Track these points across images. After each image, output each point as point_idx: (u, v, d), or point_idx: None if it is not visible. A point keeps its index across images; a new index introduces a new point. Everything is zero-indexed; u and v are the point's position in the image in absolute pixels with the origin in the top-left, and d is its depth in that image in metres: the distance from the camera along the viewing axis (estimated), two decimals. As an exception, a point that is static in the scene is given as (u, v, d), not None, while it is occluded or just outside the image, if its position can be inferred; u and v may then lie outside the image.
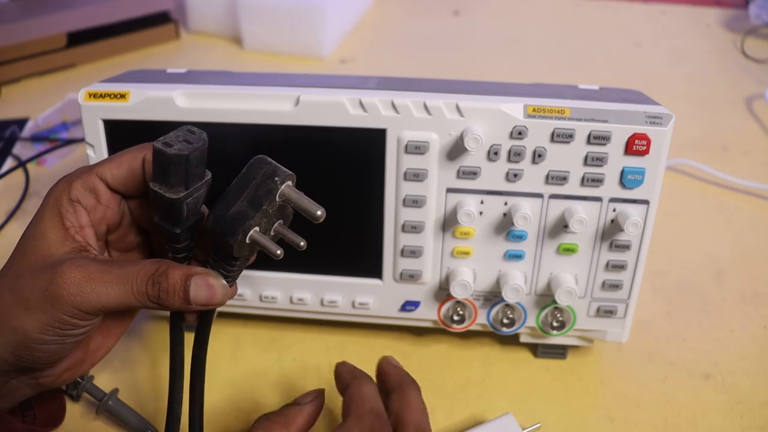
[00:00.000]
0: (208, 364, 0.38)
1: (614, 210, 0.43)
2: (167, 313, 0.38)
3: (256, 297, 0.49)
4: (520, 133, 0.41)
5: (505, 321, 0.47)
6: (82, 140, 0.74)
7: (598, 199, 0.42)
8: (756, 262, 0.60)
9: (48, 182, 0.69)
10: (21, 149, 0.77)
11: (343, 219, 0.45)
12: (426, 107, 0.41)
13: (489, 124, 0.41)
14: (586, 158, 0.41)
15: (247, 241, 0.33)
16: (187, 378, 0.38)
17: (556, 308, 0.46)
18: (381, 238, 0.45)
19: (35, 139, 0.79)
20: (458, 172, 0.43)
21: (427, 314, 0.48)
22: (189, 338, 0.38)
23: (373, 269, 0.47)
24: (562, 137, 0.41)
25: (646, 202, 0.42)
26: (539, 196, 0.43)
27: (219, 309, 0.44)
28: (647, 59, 1.01)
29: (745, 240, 0.63)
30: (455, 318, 0.47)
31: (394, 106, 0.42)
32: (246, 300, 0.49)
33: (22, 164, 0.73)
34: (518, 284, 0.44)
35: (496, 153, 0.42)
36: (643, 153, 0.41)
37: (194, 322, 0.38)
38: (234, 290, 0.36)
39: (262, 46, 1.01)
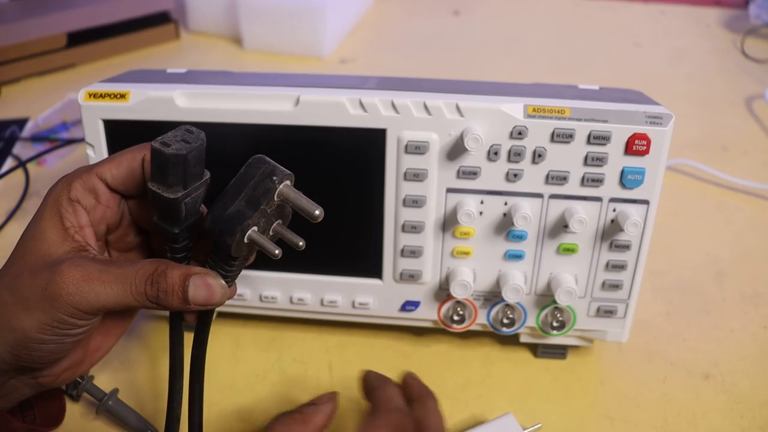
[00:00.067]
0: (208, 364, 0.38)
1: (614, 210, 0.43)
2: (167, 313, 0.38)
3: (256, 297, 0.49)
4: (520, 133, 0.41)
5: (505, 321, 0.47)
6: (82, 140, 0.74)
7: (598, 199, 0.42)
8: (756, 262, 0.60)
9: (48, 182, 0.69)
10: (21, 149, 0.77)
11: (343, 219, 0.45)
12: (426, 107, 0.41)
13: (489, 124, 0.41)
14: (586, 158, 0.41)
15: (246, 240, 0.33)
16: (187, 378, 0.38)
17: (556, 308, 0.46)
18: (381, 238, 0.45)
19: (35, 139, 0.79)
20: (458, 172, 0.43)
21: (427, 314, 0.48)
22: (189, 338, 0.38)
23: (373, 269, 0.47)
24: (562, 137, 0.41)
25: (646, 202, 0.42)
26: (539, 196, 0.43)
27: (219, 309, 0.44)
28: (647, 59, 1.01)
29: (745, 240, 0.63)
30: (455, 318, 0.47)
31: (394, 106, 0.42)
32: (246, 300, 0.49)
33: (22, 164, 0.73)
34: (518, 284, 0.44)
35: (496, 153, 0.42)
36: (643, 153, 0.41)
37: (194, 322, 0.38)
38: (233, 290, 0.36)
39: (262, 46, 1.01)
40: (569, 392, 0.47)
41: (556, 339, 0.48)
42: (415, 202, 0.44)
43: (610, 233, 0.43)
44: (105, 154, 0.45)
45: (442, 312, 0.48)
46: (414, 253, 0.45)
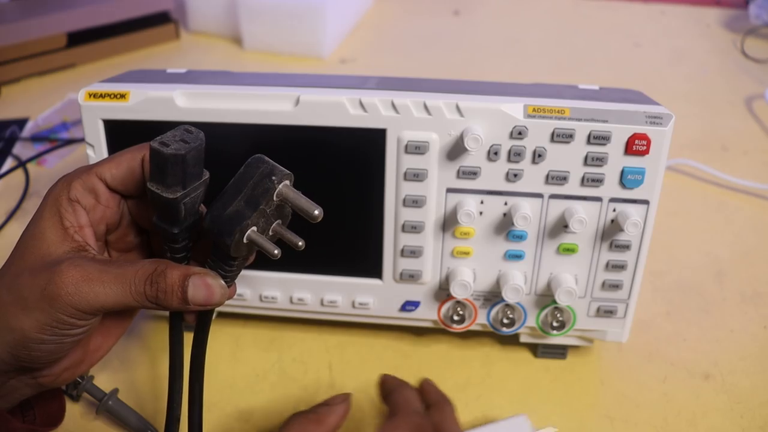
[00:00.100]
0: (208, 364, 0.38)
1: (614, 210, 0.43)
2: (166, 313, 0.38)
3: (256, 297, 0.49)
4: (520, 133, 0.41)
5: (505, 321, 0.47)
6: (82, 140, 0.74)
7: (598, 199, 0.42)
8: (756, 262, 0.60)
9: (48, 182, 0.69)
10: (21, 149, 0.77)
11: (343, 219, 0.45)
12: (426, 107, 0.41)
13: (489, 124, 0.41)
14: (586, 158, 0.41)
15: (245, 240, 0.33)
16: (187, 378, 0.38)
17: (556, 308, 0.46)
18: (381, 238, 0.45)
19: (35, 139, 0.79)
20: (458, 172, 0.43)
21: (427, 314, 0.48)
22: (188, 338, 0.38)
23: (373, 269, 0.47)
24: (562, 137, 0.41)
25: (646, 202, 0.42)
26: (539, 196, 0.43)
27: (219, 309, 0.44)
28: (647, 59, 1.01)
29: (745, 240, 0.63)
30: (455, 318, 0.47)
31: (394, 106, 0.42)
32: (246, 300, 0.49)
33: (22, 164, 0.73)
34: (518, 284, 0.44)
35: (496, 153, 0.42)
36: (643, 153, 0.41)
37: (193, 322, 0.38)
38: (233, 290, 0.36)
39: (262, 46, 1.01)
40: (569, 392, 0.47)
41: (556, 339, 0.48)
42: (415, 202, 0.44)
43: (610, 233, 0.43)
44: (105, 154, 0.45)
45: (442, 312, 0.48)
46: (414, 253, 0.45)
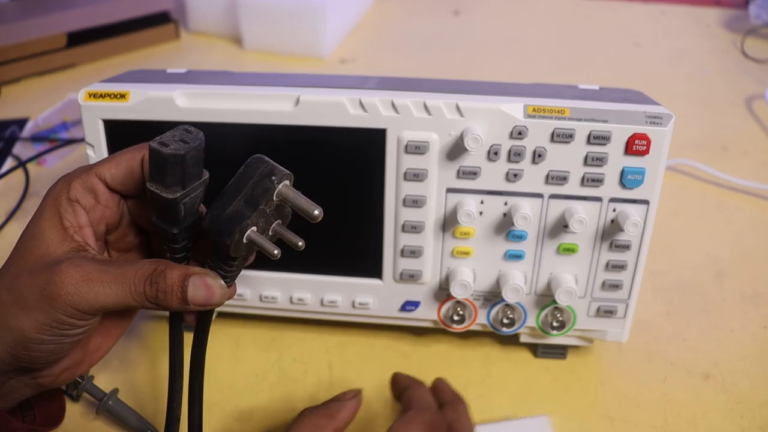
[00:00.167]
0: (208, 364, 0.38)
1: (614, 210, 0.43)
2: (166, 314, 0.38)
3: (256, 297, 0.49)
4: (520, 133, 0.41)
5: (505, 321, 0.47)
6: (82, 140, 0.74)
7: (598, 199, 0.42)
8: (756, 262, 0.60)
9: (48, 182, 0.69)
10: (21, 149, 0.77)
11: (343, 219, 0.45)
12: (426, 107, 0.41)
13: (489, 124, 0.41)
14: (586, 158, 0.41)
15: (244, 240, 0.33)
16: (187, 378, 0.38)
17: (556, 308, 0.46)
18: (381, 238, 0.45)
19: (35, 139, 0.79)
20: (458, 172, 0.43)
21: (427, 314, 0.48)
22: (188, 338, 0.38)
23: (373, 269, 0.47)
24: (562, 137, 0.41)
25: (646, 202, 0.42)
26: (539, 196, 0.43)
27: (219, 309, 0.44)
28: (647, 59, 1.01)
29: (745, 240, 0.63)
30: (455, 318, 0.47)
31: (394, 106, 0.42)
32: (246, 300, 0.49)
33: (22, 164, 0.73)
34: (518, 284, 0.44)
35: (496, 153, 0.42)
36: (643, 153, 0.41)
37: (193, 323, 0.38)
38: (233, 290, 0.36)
39: (262, 46, 1.01)
40: (569, 392, 0.47)
41: (556, 339, 0.48)
42: (415, 202, 0.44)
43: (610, 233, 0.43)
44: (105, 154, 0.45)
45: (442, 312, 0.48)
46: (414, 253, 0.45)
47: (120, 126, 0.44)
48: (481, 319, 0.47)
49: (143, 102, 0.43)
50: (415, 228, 0.44)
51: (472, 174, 0.42)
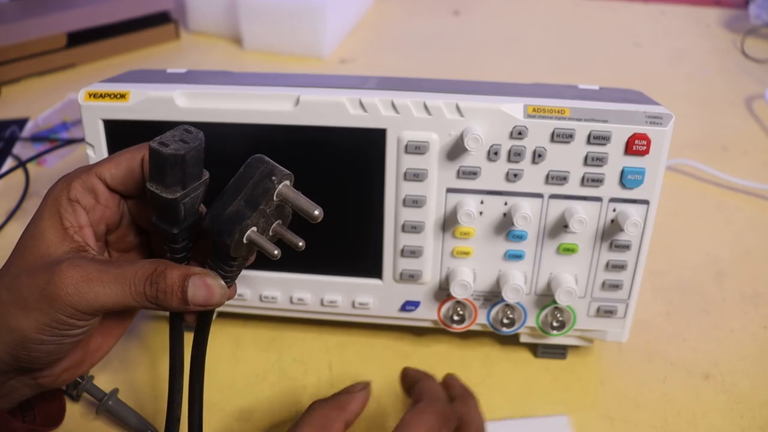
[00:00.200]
0: (208, 364, 0.38)
1: (614, 210, 0.43)
2: (167, 314, 0.38)
3: (256, 297, 0.49)
4: (520, 133, 0.41)
5: (505, 321, 0.47)
6: (82, 140, 0.74)
7: (598, 199, 0.42)
8: (756, 262, 0.60)
9: (48, 182, 0.69)
10: (21, 149, 0.77)
11: (343, 219, 0.45)
12: (426, 107, 0.41)
13: (489, 124, 0.41)
14: (586, 158, 0.41)
15: (245, 241, 0.33)
16: (187, 378, 0.38)
17: (556, 308, 0.46)
18: (381, 238, 0.45)
19: (35, 139, 0.79)
20: (458, 172, 0.43)
21: (427, 314, 0.48)
22: (189, 338, 0.38)
23: (373, 269, 0.47)
24: (562, 137, 0.41)
25: (646, 202, 0.42)
26: (539, 196, 0.43)
27: (219, 309, 0.44)
28: (647, 59, 1.01)
29: (745, 240, 0.63)
30: (455, 318, 0.47)
31: (394, 106, 0.42)
32: (246, 300, 0.49)
33: (22, 164, 0.73)
34: (518, 284, 0.44)
35: (496, 153, 0.42)
36: (643, 153, 0.41)
37: (193, 323, 0.38)
38: (233, 291, 0.36)
39: (262, 46, 1.01)
40: (569, 392, 0.47)
41: (556, 339, 0.48)
42: (415, 202, 0.44)
43: (610, 233, 0.43)
44: (105, 154, 0.45)
45: (442, 312, 0.48)
46: (414, 253, 0.45)
47: (120, 126, 0.44)
48: (481, 319, 0.47)
49: (143, 102, 0.43)
50: (415, 228, 0.44)
51: (472, 174, 0.42)
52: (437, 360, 0.50)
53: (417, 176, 0.43)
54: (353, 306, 0.48)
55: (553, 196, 0.43)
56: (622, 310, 0.46)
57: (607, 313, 0.46)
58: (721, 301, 0.56)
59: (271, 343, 0.51)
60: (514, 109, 0.41)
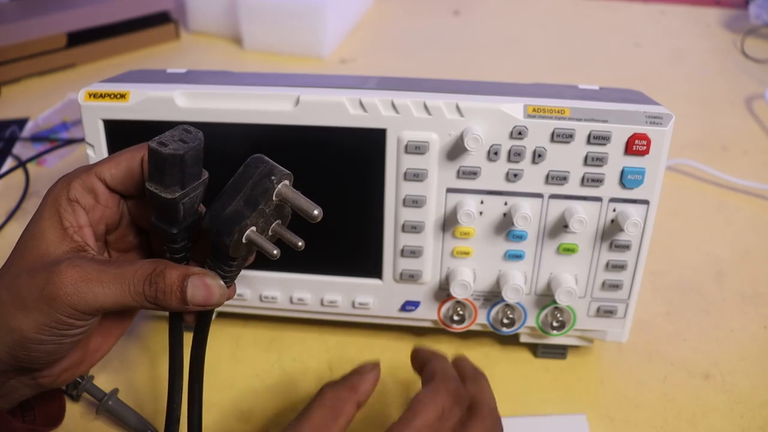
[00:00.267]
0: (208, 364, 0.38)
1: (614, 210, 0.43)
2: (166, 314, 0.38)
3: (256, 297, 0.49)
4: (520, 133, 0.41)
5: (505, 321, 0.47)
6: (82, 140, 0.74)
7: (598, 199, 0.42)
8: (756, 262, 0.60)
9: (48, 182, 0.69)
10: (21, 149, 0.77)
11: (343, 219, 0.45)
12: (426, 107, 0.41)
13: (489, 124, 0.41)
14: (586, 158, 0.41)
15: (244, 240, 0.33)
16: (187, 378, 0.38)
17: (556, 308, 0.46)
18: (381, 238, 0.45)
19: (35, 139, 0.79)
20: (458, 172, 0.43)
21: (427, 314, 0.48)
22: (188, 338, 0.38)
23: (373, 269, 0.47)
24: (562, 137, 0.41)
25: (646, 202, 0.42)
26: (539, 196, 0.43)
27: (219, 309, 0.44)
28: (647, 59, 1.01)
29: (745, 240, 0.63)
30: (455, 318, 0.47)
31: (394, 106, 0.42)
32: (246, 300, 0.49)
33: (22, 164, 0.73)
34: (518, 284, 0.44)
35: (496, 153, 0.42)
36: (643, 153, 0.41)
37: (193, 323, 0.38)
38: (232, 291, 0.36)
39: (262, 46, 1.00)
40: (569, 392, 0.47)
41: (556, 339, 0.48)
42: (415, 202, 0.44)
43: (610, 233, 0.43)
44: (105, 154, 0.45)
45: (442, 312, 0.48)
46: (414, 253, 0.45)
47: (120, 126, 0.44)
48: (481, 319, 0.47)
49: (143, 102, 0.43)
50: (415, 228, 0.44)
51: (472, 174, 0.42)
52: (437, 360, 0.50)
53: (417, 176, 0.43)
54: (353, 306, 0.48)
55: (553, 196, 0.43)
56: (622, 310, 0.46)
57: (607, 313, 0.46)
58: (721, 301, 0.56)
59: (271, 343, 0.51)
60: (514, 109, 0.41)
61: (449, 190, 0.43)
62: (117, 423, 0.45)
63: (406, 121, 0.42)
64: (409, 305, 0.48)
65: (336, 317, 0.49)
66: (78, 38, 0.96)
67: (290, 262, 0.47)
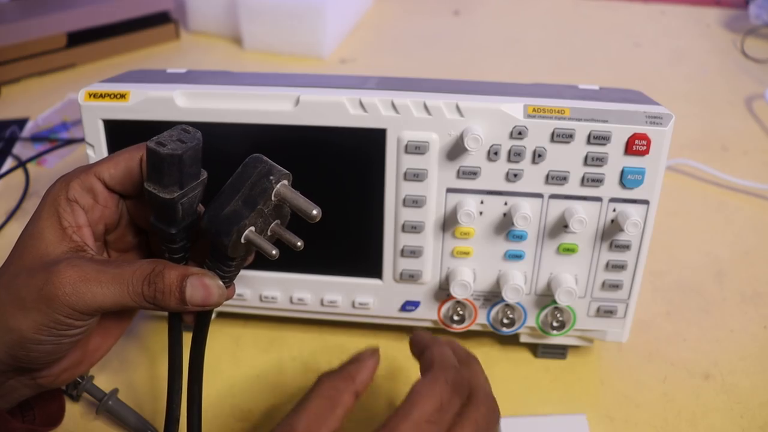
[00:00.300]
0: (208, 364, 0.38)
1: (614, 210, 0.43)
2: (166, 314, 0.38)
3: (256, 297, 0.49)
4: (520, 133, 0.41)
5: (505, 321, 0.47)
6: (82, 140, 0.74)
7: (598, 199, 0.42)
8: (756, 262, 0.60)
9: (48, 182, 0.69)
10: (21, 149, 0.77)
11: (343, 219, 0.45)
12: (426, 107, 0.41)
13: (489, 124, 0.41)
14: (586, 158, 0.41)
15: (242, 240, 0.33)
16: (186, 378, 0.38)
17: (556, 308, 0.46)
18: (381, 238, 0.45)
19: (35, 139, 0.79)
20: (458, 172, 0.43)
21: (427, 314, 0.48)
22: (188, 338, 0.38)
23: (373, 269, 0.47)
24: (562, 137, 0.41)
25: (646, 202, 0.42)
26: (539, 196, 0.43)
27: (218, 309, 0.44)
28: (647, 59, 1.01)
29: (745, 240, 0.63)
30: (455, 318, 0.47)
31: (394, 106, 0.42)
32: (246, 300, 0.49)
33: (22, 164, 0.73)
34: (518, 284, 0.44)
35: (496, 153, 0.42)
36: (643, 153, 0.41)
37: (192, 323, 0.38)
38: (231, 291, 0.36)
39: (262, 46, 1.00)
40: (569, 392, 0.47)
41: (556, 339, 0.48)
42: (415, 202, 0.44)
43: (610, 233, 0.43)
44: (105, 154, 0.45)
45: (442, 312, 0.48)
46: (414, 253, 0.45)
47: (120, 126, 0.44)
48: (481, 319, 0.47)
49: (143, 102, 0.43)
50: (415, 228, 0.44)
51: (472, 174, 0.42)
52: (437, 360, 0.50)
53: (417, 176, 0.43)
54: (353, 306, 0.48)
55: (553, 196, 0.43)
56: (622, 310, 0.46)
57: (607, 313, 0.46)
58: (721, 301, 0.56)
59: (271, 343, 0.51)
60: (514, 109, 0.41)
61: (449, 190, 0.43)
62: (117, 423, 0.45)
63: (406, 121, 0.42)
64: (409, 305, 0.48)
65: (336, 317, 0.49)
66: (78, 38, 0.96)
67: (290, 262, 0.47)
